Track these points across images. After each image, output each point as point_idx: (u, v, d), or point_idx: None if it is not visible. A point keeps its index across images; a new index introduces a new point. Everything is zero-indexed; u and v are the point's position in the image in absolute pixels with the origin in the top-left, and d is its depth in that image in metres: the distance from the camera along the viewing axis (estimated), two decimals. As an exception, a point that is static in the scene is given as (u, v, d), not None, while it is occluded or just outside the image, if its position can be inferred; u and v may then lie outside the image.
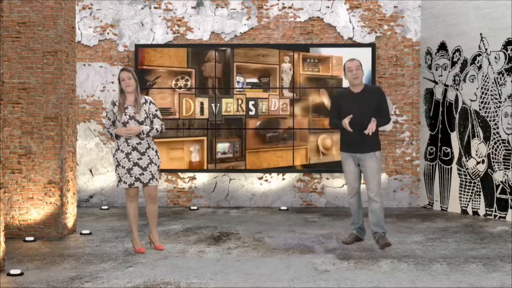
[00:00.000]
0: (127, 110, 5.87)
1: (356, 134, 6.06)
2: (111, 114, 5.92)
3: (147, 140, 5.91)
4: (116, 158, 5.89)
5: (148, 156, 5.90)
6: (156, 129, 5.91)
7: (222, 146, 8.86)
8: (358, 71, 6.10)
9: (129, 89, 5.87)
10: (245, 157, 8.87)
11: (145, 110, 5.90)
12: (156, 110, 5.99)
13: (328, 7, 8.98)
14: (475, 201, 8.15)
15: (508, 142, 7.70)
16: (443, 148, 8.59)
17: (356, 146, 6.13)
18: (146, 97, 6.05)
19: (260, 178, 9.03)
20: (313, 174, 8.98)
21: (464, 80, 8.29)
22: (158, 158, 6.01)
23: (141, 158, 5.87)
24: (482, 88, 8.05)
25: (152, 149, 5.95)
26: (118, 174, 5.90)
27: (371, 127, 5.96)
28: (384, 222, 6.17)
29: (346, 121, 5.99)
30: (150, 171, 5.91)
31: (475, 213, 8.14)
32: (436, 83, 8.71)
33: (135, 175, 5.87)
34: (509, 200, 7.72)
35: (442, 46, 8.62)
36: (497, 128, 7.83)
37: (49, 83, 6.69)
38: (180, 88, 8.81)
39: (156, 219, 6.14)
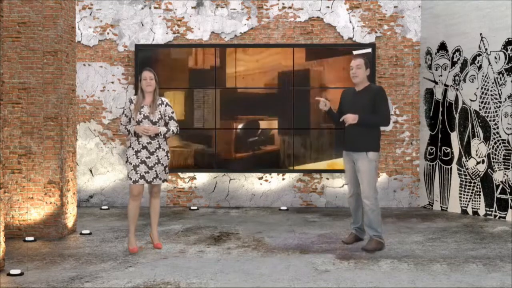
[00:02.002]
0: (143, 110, 5.97)
1: (349, 132, 6.09)
2: (128, 111, 6.02)
3: (158, 141, 5.99)
4: (126, 155, 6.02)
5: (157, 156, 5.98)
6: (172, 131, 6.04)
7: None
8: (357, 70, 6.05)
9: (149, 88, 5.98)
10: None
11: (160, 111, 6.00)
12: (172, 112, 6.10)
13: (328, 7, 8.98)
14: (475, 201, 8.15)
15: (508, 142, 7.70)
16: (443, 148, 8.59)
17: (349, 145, 6.13)
18: (163, 98, 6.13)
19: (260, 178, 9.03)
20: (313, 174, 8.98)
21: (464, 80, 8.29)
22: (168, 159, 6.09)
23: (149, 157, 5.95)
24: (482, 88, 8.05)
25: (163, 149, 6.02)
26: (127, 170, 6.03)
27: (350, 116, 5.91)
28: (378, 224, 6.02)
29: (345, 117, 5.99)
30: (155, 171, 5.98)
31: (475, 213, 8.14)
32: (436, 83, 8.71)
33: (140, 172, 5.94)
34: (509, 200, 7.72)
35: (442, 46, 8.62)
36: (497, 128, 7.83)
37: (49, 83, 6.69)
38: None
39: (158, 217, 6.22)
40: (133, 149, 5.96)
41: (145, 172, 5.95)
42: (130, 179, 5.96)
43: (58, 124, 6.69)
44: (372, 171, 5.98)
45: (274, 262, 5.60)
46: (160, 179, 6.03)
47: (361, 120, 5.92)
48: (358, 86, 6.13)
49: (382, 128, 8.89)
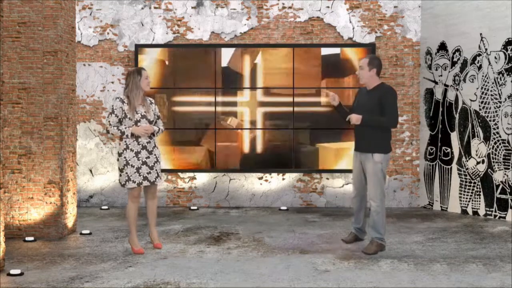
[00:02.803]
0: (138, 109, 5.92)
1: (357, 132, 6.07)
2: (120, 111, 5.86)
3: (153, 140, 6.00)
4: (125, 157, 5.87)
5: (155, 155, 5.98)
6: (161, 129, 6.07)
7: None
8: (360, 71, 6.05)
9: (148, 88, 5.97)
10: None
11: (152, 110, 6.03)
12: (159, 112, 6.17)
13: (328, 7, 8.98)
14: (475, 201, 8.15)
15: (508, 142, 7.71)
16: (443, 148, 8.59)
17: (357, 145, 6.11)
18: (149, 98, 6.14)
19: (260, 178, 9.03)
20: (313, 174, 8.98)
21: (464, 80, 8.29)
22: (160, 157, 6.16)
23: (148, 157, 5.93)
24: (482, 88, 8.05)
25: (157, 148, 6.07)
26: (126, 173, 5.86)
27: (352, 116, 5.93)
28: (381, 226, 5.96)
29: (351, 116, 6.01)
30: (156, 170, 5.98)
31: (475, 213, 8.14)
32: (436, 83, 8.71)
33: (143, 174, 5.90)
34: (509, 200, 7.72)
35: (442, 46, 8.62)
36: (497, 128, 7.83)
37: (49, 83, 6.69)
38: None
39: (156, 217, 6.22)
40: (132, 150, 5.87)
41: (147, 173, 5.91)
42: (134, 182, 5.85)
43: (58, 124, 6.69)
44: (378, 173, 5.91)
45: (274, 262, 5.60)
46: (160, 178, 6.03)
47: (365, 121, 5.89)
48: (368, 86, 6.08)
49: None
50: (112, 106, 5.86)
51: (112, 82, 9.02)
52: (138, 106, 5.93)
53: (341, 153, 8.80)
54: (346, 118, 6.05)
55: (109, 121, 5.87)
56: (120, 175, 5.91)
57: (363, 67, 6.02)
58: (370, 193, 5.98)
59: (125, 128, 5.87)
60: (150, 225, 6.20)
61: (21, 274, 5.15)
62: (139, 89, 5.93)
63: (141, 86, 5.93)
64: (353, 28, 8.98)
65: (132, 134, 5.87)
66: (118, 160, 5.93)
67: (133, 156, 5.87)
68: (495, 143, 7.86)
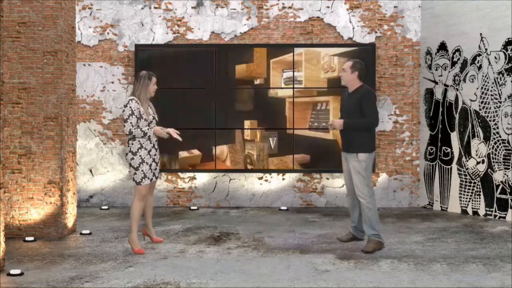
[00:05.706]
0: (149, 111, 6.15)
1: (343, 133, 6.29)
2: (138, 112, 5.99)
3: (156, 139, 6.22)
4: (140, 156, 6.01)
5: (158, 151, 6.22)
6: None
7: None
8: (343, 73, 6.27)
9: (153, 94, 6.18)
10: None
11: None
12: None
13: (328, 7, 8.98)
14: (475, 201, 8.15)
15: (508, 142, 7.71)
16: (443, 148, 8.59)
17: (343, 146, 6.34)
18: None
19: (260, 178, 9.03)
20: (313, 174, 8.98)
21: (464, 80, 8.29)
22: None
23: (156, 154, 6.16)
24: (482, 88, 8.05)
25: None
26: (142, 171, 6.01)
27: (335, 122, 6.17)
28: (376, 222, 6.10)
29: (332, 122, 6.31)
30: (159, 165, 6.23)
31: (475, 213, 8.14)
32: (436, 83, 8.71)
33: (153, 170, 6.10)
34: (509, 200, 7.72)
35: (442, 46, 8.62)
36: (497, 128, 7.83)
37: (49, 83, 6.69)
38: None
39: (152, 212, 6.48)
40: (145, 149, 6.03)
41: (154, 169, 6.14)
42: (148, 178, 6.03)
43: (58, 124, 6.69)
44: (362, 171, 6.11)
45: (274, 262, 5.60)
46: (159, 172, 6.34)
47: (346, 125, 6.14)
48: (349, 88, 6.31)
49: (382, 128, 8.90)
50: (131, 108, 5.96)
51: (112, 82, 9.02)
52: (148, 108, 6.15)
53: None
54: (329, 124, 6.29)
55: (131, 123, 5.95)
56: (135, 174, 6.02)
57: (345, 70, 6.25)
58: (357, 190, 6.16)
59: (147, 129, 6.00)
60: (148, 220, 6.37)
61: (21, 274, 5.16)
62: (147, 93, 6.12)
63: (149, 90, 6.12)
64: (353, 28, 8.98)
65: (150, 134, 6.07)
66: (132, 159, 6.00)
67: (146, 154, 6.04)
68: (495, 143, 7.86)
